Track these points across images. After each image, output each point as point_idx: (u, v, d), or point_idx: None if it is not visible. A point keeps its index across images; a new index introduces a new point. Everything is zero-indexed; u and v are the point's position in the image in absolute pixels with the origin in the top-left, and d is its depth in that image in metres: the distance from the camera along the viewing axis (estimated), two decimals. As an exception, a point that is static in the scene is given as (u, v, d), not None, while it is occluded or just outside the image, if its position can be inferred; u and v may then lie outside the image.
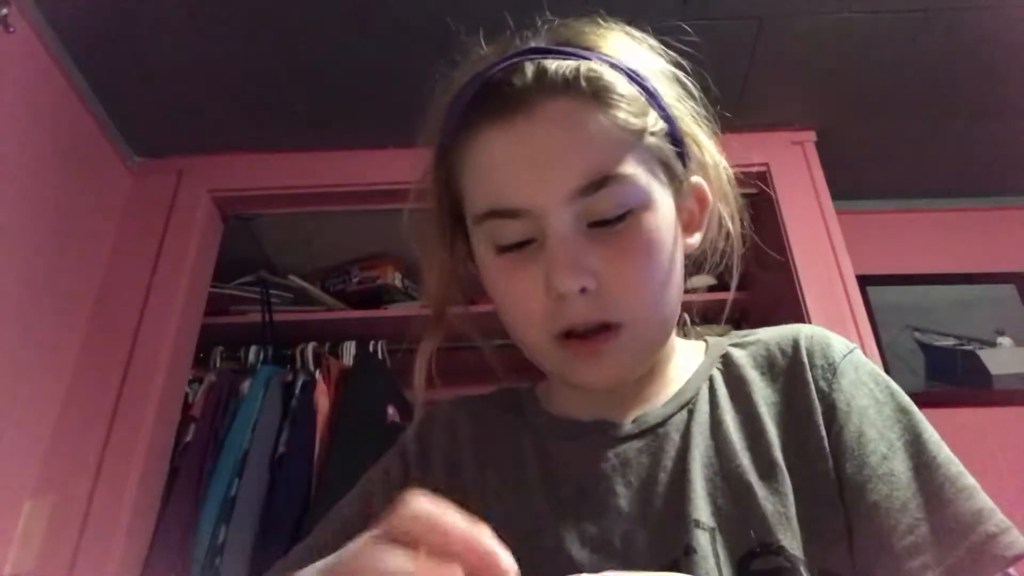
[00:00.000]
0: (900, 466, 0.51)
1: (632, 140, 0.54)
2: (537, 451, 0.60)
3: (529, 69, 0.55)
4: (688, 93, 0.63)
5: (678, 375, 0.62)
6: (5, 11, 1.30)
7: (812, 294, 1.58)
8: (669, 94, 0.59)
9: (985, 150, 1.90)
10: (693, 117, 0.62)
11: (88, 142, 1.60)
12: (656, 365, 0.62)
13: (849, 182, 1.80)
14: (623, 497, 0.54)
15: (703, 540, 0.49)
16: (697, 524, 0.50)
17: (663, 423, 0.58)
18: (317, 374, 1.73)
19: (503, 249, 0.56)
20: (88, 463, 1.39)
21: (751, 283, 1.78)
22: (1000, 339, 1.88)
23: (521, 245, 0.55)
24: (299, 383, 1.70)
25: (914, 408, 0.55)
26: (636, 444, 0.57)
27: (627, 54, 0.59)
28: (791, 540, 0.49)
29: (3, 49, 1.32)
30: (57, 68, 1.47)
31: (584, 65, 0.55)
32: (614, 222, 0.53)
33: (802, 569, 0.48)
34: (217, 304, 1.85)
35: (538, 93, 0.54)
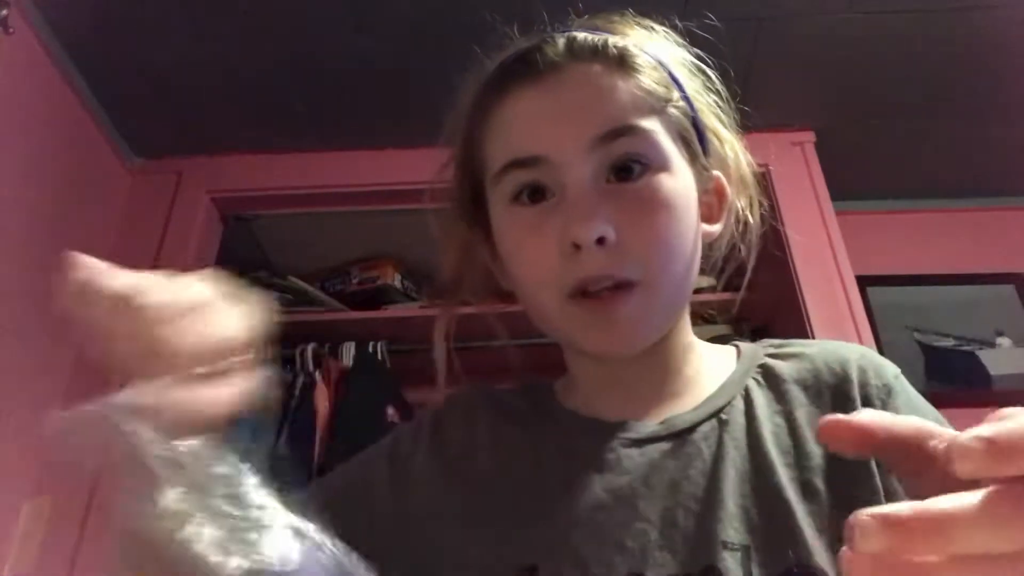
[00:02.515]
0: None
1: (655, 104, 0.57)
2: (558, 449, 0.59)
3: (560, 41, 0.58)
4: (710, 88, 0.64)
5: (706, 379, 0.60)
6: (5, 12, 1.30)
7: (812, 295, 1.58)
8: (691, 85, 0.61)
9: (984, 150, 1.90)
10: (713, 111, 0.63)
11: (88, 143, 1.60)
12: (676, 362, 0.61)
13: (849, 182, 1.80)
14: (644, 499, 0.52)
15: (731, 561, 0.47)
16: (725, 545, 0.48)
17: (691, 429, 0.55)
18: (317, 375, 1.72)
19: (517, 199, 0.56)
20: (88, 463, 1.39)
21: (751, 283, 1.78)
22: (1000, 339, 1.88)
23: (537, 200, 0.55)
24: (299, 384, 1.70)
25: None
26: (662, 446, 0.55)
27: (651, 44, 0.61)
28: (830, 564, 0.47)
29: (3, 50, 1.32)
30: (57, 69, 1.47)
31: (611, 38, 0.58)
32: (633, 179, 0.54)
33: None
34: (217, 304, 1.84)
35: (567, 59, 0.57)
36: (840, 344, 0.61)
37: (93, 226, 1.60)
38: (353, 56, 1.55)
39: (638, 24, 0.63)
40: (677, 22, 0.66)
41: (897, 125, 1.81)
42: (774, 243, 1.63)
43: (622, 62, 0.57)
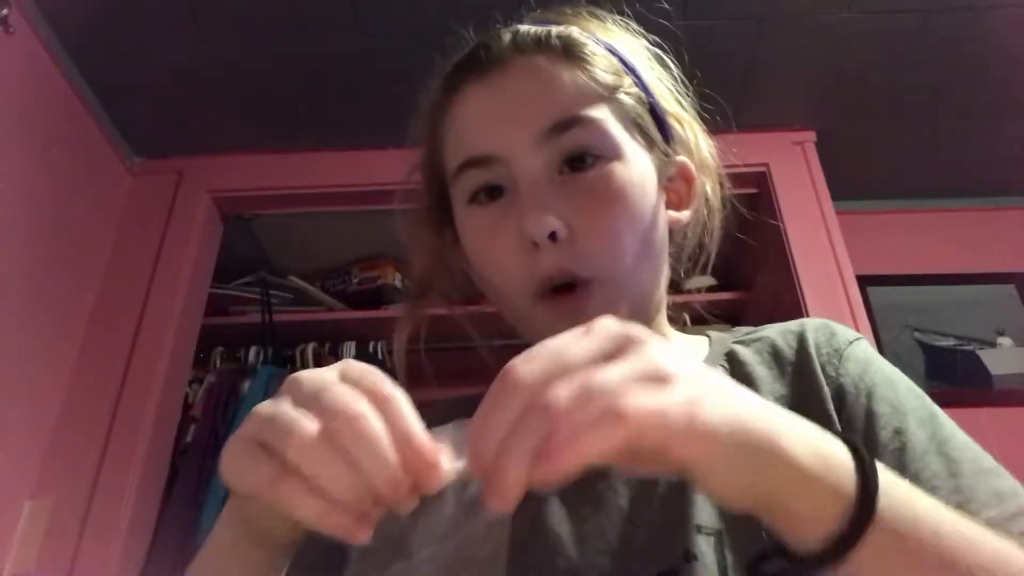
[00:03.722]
0: (912, 440, 0.49)
1: (603, 93, 0.56)
2: None
3: (506, 36, 0.58)
4: (669, 74, 0.64)
5: None
6: (5, 12, 1.30)
7: (812, 294, 1.58)
8: (647, 71, 0.61)
9: (985, 150, 1.89)
10: (674, 96, 0.63)
11: (88, 142, 1.60)
12: None
13: (849, 182, 1.80)
14: (623, 496, 0.52)
15: (705, 546, 0.48)
16: (699, 529, 0.49)
17: None
18: (317, 374, 1.72)
19: (475, 200, 0.56)
20: (88, 463, 1.39)
21: (751, 283, 1.78)
22: (1000, 339, 1.88)
23: (494, 197, 0.55)
24: (299, 384, 1.69)
25: (924, 394, 0.54)
26: None
27: (604, 32, 0.61)
28: None
29: (3, 50, 1.32)
30: (57, 68, 1.47)
31: (556, 28, 0.58)
32: (584, 170, 0.54)
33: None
34: (217, 304, 1.85)
35: (512, 52, 0.56)
36: (799, 320, 0.61)
37: (93, 226, 1.60)
38: (353, 56, 1.55)
39: (590, 14, 0.63)
40: (647, 31, 0.66)
41: (897, 125, 1.81)
42: (774, 243, 1.63)
43: (567, 52, 0.56)
